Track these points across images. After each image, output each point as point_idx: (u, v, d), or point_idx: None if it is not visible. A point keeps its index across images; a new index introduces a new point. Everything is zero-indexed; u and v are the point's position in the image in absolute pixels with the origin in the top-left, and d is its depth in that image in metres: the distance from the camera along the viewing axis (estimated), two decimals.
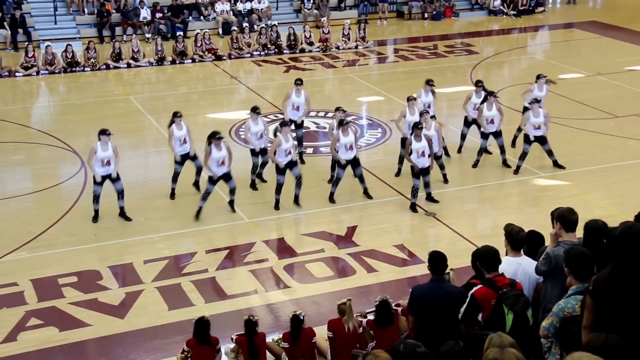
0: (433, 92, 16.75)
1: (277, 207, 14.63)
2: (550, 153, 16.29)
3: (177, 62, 25.50)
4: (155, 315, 11.28)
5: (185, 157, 15.06)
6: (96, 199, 14.14)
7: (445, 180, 15.68)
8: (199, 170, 15.35)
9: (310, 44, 27.13)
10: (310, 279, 12.26)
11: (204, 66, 25.33)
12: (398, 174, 16.12)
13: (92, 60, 24.64)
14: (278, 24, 28.11)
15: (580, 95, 21.58)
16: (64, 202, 15.06)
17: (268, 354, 9.89)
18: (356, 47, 27.45)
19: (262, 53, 26.61)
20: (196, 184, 15.49)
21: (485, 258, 7.55)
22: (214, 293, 11.85)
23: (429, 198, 14.80)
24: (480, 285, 7.52)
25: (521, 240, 8.01)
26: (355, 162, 14.75)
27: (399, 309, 10.03)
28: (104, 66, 24.77)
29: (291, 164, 14.52)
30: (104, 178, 13.98)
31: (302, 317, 9.74)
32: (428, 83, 16.86)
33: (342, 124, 14.57)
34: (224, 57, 25.94)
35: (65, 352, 10.51)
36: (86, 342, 10.74)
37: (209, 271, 12.46)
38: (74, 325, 11.04)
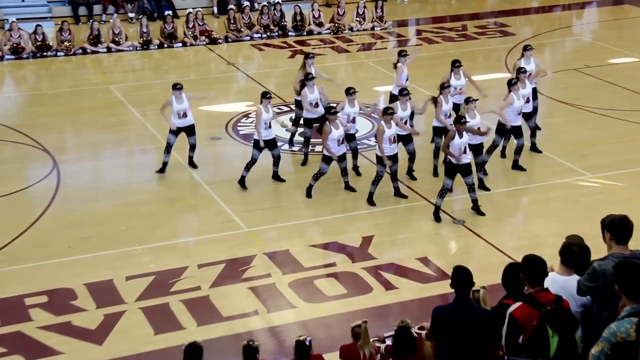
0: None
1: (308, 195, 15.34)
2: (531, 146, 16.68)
3: (166, 45, 25.54)
4: (139, 341, 11.25)
5: (268, 142, 15.53)
6: (168, 148, 16.20)
7: (486, 188, 15.52)
8: (277, 161, 15.89)
9: (320, 24, 27.13)
10: (319, 298, 12.23)
11: (197, 51, 25.36)
12: (435, 172, 16.09)
13: (66, 43, 24.69)
14: (282, 1, 28.14)
15: (634, 83, 21.49)
16: (34, 209, 15.07)
17: None
18: (372, 28, 27.44)
19: (264, 35, 26.63)
20: (275, 176, 15.96)
21: (530, 268, 7.45)
22: (207, 314, 11.82)
23: (475, 207, 14.59)
24: (520, 303, 7.44)
25: (575, 255, 7.81)
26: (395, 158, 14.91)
27: (423, 332, 9.97)
28: (80, 50, 24.83)
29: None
30: (180, 129, 16.10)
31: (307, 343, 9.67)
32: (455, 65, 17.00)
33: (386, 112, 14.75)
34: (220, 41, 25.96)
35: None
36: None
37: (202, 289, 12.44)
38: (43, 354, 10.98)
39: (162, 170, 16.31)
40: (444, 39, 26.43)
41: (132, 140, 18.57)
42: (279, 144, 16.10)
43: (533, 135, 16.96)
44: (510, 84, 15.85)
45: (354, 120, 15.81)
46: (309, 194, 15.32)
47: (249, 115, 19.41)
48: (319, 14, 27.38)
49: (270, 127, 15.50)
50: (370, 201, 15.02)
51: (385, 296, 12.26)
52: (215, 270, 12.94)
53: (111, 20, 26.12)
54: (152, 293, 12.33)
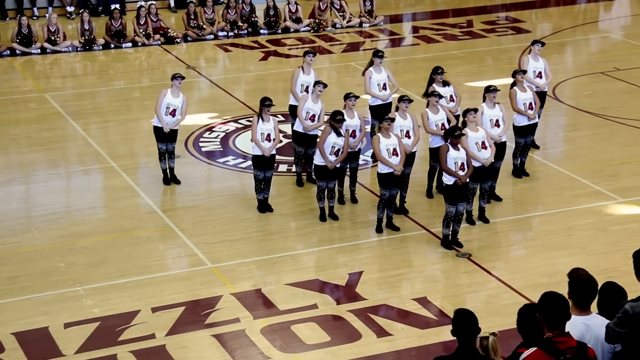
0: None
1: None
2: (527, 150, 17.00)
3: (112, 46, 25.56)
4: None
5: (269, 159, 15.61)
6: (162, 156, 16.70)
7: (485, 220, 15.60)
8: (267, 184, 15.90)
9: (297, 20, 27.22)
10: (297, 347, 12.25)
11: (150, 52, 25.39)
12: (429, 193, 16.17)
13: None
14: None
15: None
16: None
17: None
18: (360, 24, 27.58)
19: (231, 34, 26.70)
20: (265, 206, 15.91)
21: (549, 308, 7.51)
22: None
23: (453, 240, 14.79)
24: (534, 349, 7.50)
25: (590, 292, 7.95)
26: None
27: None
28: (8, 52, 24.80)
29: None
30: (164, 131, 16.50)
31: None
32: (437, 72, 17.03)
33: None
34: (178, 40, 26.00)
35: None
36: None
37: (156, 337, 12.43)
38: None
39: (166, 181, 16.79)
40: (445, 37, 26.54)
41: (72, 159, 18.57)
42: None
43: (524, 152, 17.00)
44: (488, 89, 16.00)
45: (353, 135, 15.78)
46: (323, 218, 15.50)
47: (213, 129, 19.47)
48: (296, 8, 27.40)
49: (268, 140, 15.44)
50: (379, 229, 15.15)
51: (376, 344, 12.28)
52: (172, 315, 12.94)
53: (46, 16, 26.11)
54: (96, 343, 12.30)
